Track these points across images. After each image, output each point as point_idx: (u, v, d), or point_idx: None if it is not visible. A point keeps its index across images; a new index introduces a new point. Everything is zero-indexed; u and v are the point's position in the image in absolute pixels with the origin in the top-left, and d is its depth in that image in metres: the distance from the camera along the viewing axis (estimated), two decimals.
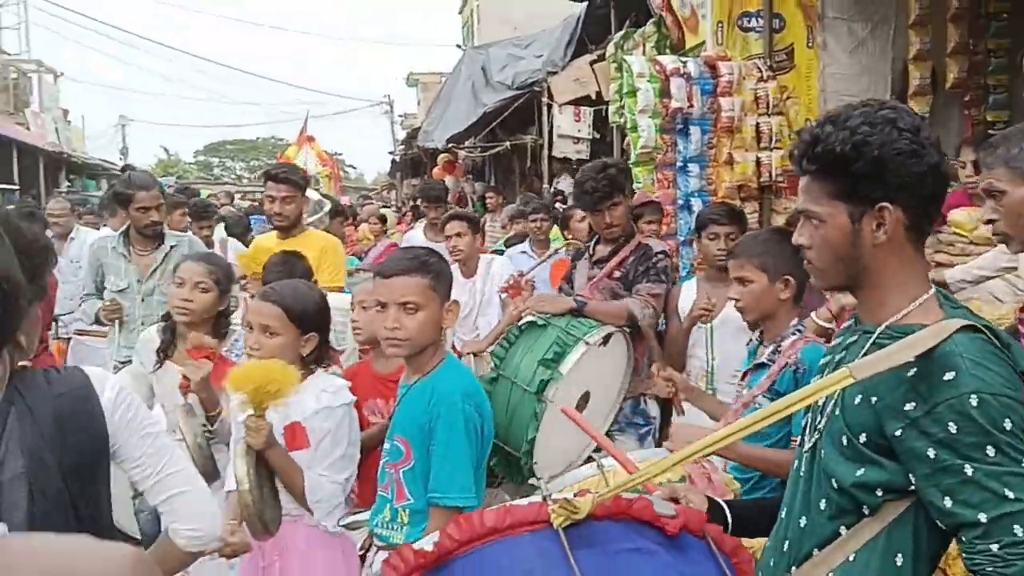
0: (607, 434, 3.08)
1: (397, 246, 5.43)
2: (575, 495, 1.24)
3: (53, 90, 28.22)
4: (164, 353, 2.86)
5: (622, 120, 6.73)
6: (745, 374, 2.47)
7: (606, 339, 2.93)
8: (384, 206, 13.28)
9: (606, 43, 8.73)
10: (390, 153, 29.13)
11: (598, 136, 9.97)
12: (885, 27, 5.49)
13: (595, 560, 1.20)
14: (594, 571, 1.18)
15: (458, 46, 21.10)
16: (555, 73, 10.18)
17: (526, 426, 2.57)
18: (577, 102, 9.89)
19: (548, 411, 2.60)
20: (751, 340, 2.53)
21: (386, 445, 2.21)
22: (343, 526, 2.35)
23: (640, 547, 1.24)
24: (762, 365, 2.38)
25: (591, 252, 3.58)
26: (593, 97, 9.57)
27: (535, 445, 2.63)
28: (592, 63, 9.56)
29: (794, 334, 2.34)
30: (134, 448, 1.59)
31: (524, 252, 5.78)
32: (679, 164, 5.40)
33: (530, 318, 2.90)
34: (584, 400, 2.89)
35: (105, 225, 7.08)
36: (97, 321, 4.29)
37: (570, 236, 5.36)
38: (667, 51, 6.94)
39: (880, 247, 1.35)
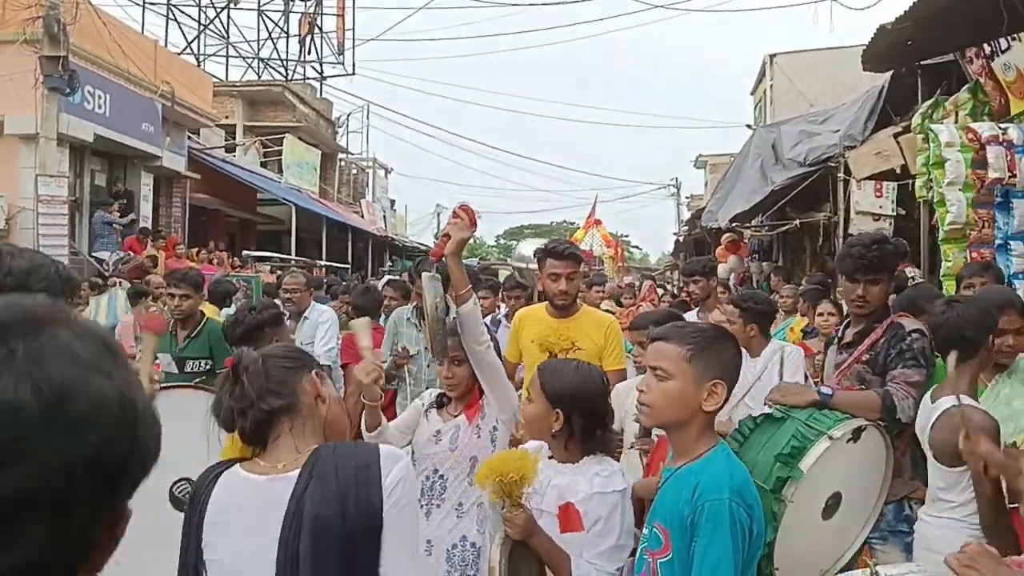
0: (865, 545, 2.72)
1: None
2: None
3: (384, 183, 32.69)
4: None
5: (929, 194, 6.14)
6: None
7: (856, 433, 2.56)
8: (660, 285, 13.41)
9: (912, 113, 8.07)
10: (674, 234, 29.25)
11: (903, 212, 9.13)
12: None
13: None
14: None
15: (748, 126, 20.74)
16: (853, 147, 9.59)
17: (763, 527, 2.31)
18: (879, 177, 9.19)
19: (789, 512, 2.33)
20: None
21: (645, 530, 2.15)
22: None
23: None
24: None
25: (840, 335, 3.26)
26: (898, 171, 8.84)
27: (774, 548, 2.36)
28: (896, 135, 8.87)
29: None
30: (391, 544, 1.53)
31: None
32: (998, 242, 4.76)
33: (767, 410, 2.61)
34: (835, 502, 2.56)
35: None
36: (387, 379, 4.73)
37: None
38: (984, 119, 6.24)
39: None
